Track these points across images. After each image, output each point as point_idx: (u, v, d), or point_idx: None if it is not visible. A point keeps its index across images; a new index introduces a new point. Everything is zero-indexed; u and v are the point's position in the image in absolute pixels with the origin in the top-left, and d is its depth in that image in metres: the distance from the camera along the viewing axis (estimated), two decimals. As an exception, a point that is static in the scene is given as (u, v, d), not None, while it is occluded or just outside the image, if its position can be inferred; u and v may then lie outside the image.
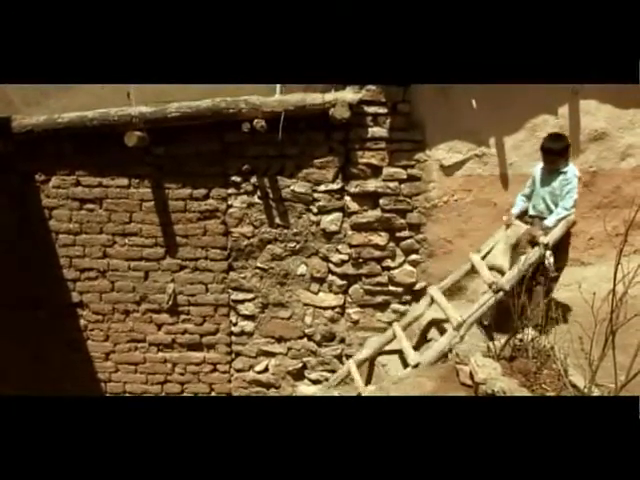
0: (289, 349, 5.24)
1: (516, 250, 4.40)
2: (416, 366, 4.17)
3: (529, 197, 4.58)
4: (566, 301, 4.44)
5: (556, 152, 4.31)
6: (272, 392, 5.32)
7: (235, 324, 5.22)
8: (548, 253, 4.18)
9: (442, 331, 4.63)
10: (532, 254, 4.19)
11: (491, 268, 4.38)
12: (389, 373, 4.55)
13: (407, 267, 5.01)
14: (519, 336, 3.35)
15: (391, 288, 5.03)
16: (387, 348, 4.86)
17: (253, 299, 5.16)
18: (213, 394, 5.36)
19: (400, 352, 4.78)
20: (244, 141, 4.80)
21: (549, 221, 4.29)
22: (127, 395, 5.36)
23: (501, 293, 4.10)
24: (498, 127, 4.83)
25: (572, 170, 4.30)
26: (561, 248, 4.31)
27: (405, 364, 4.55)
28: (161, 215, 5.00)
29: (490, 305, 4.13)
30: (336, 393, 5.05)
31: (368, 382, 4.92)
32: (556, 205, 4.32)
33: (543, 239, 4.21)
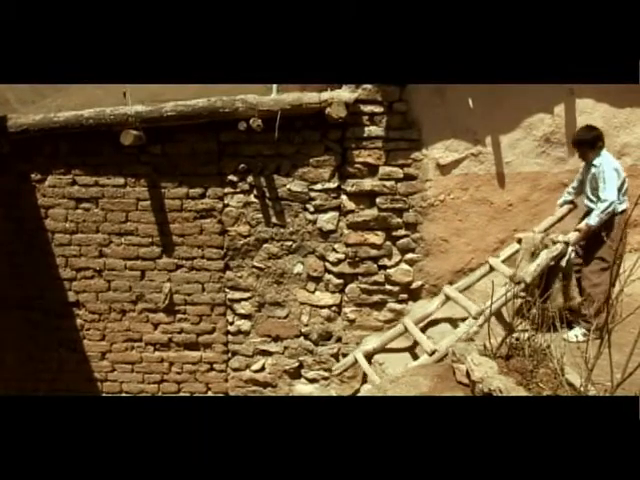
0: (286, 348, 5.24)
1: (534, 256, 4.41)
2: (432, 353, 4.24)
3: (577, 189, 4.56)
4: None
5: (580, 143, 4.32)
6: (269, 391, 5.32)
7: (232, 323, 5.22)
8: (570, 249, 4.23)
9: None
10: (554, 249, 4.25)
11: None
12: (386, 372, 4.56)
13: (404, 266, 5.01)
14: (515, 335, 3.36)
15: (387, 287, 5.03)
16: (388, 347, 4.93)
17: (250, 298, 5.16)
18: (210, 393, 5.36)
19: (400, 350, 4.81)
20: (240, 140, 4.80)
21: (592, 220, 4.18)
22: (124, 395, 5.35)
23: (522, 285, 4.15)
24: (494, 126, 4.84)
25: (605, 161, 4.20)
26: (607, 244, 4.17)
27: (413, 358, 4.60)
28: (157, 214, 4.99)
29: (510, 297, 4.16)
30: (333, 392, 5.07)
31: (364, 381, 4.94)
32: (597, 198, 4.23)
33: (563, 237, 4.25)
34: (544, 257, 4.24)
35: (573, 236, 4.28)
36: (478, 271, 4.86)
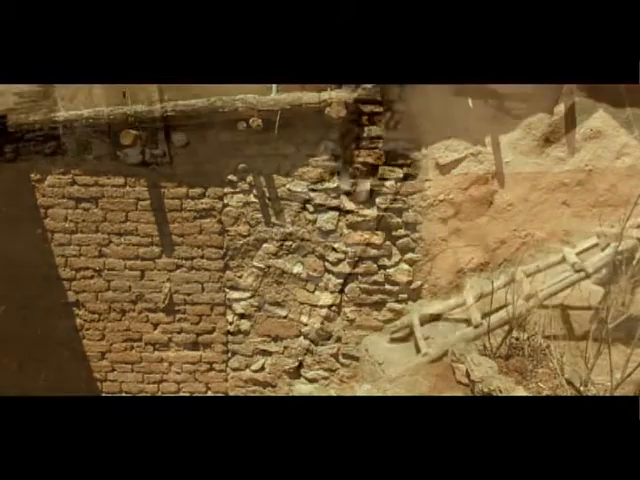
0: (285, 348, 5.23)
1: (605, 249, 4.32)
2: (477, 327, 4.17)
3: None
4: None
5: None
6: (268, 391, 5.32)
7: (231, 323, 5.22)
8: None
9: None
10: (623, 244, 4.15)
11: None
12: (385, 372, 4.56)
13: (403, 266, 5.01)
14: (515, 334, 3.37)
15: (387, 287, 5.02)
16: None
17: (249, 298, 5.16)
18: (209, 393, 5.36)
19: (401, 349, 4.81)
20: (240, 140, 4.79)
21: None
22: (123, 395, 5.35)
23: (582, 273, 4.07)
24: (494, 126, 4.83)
25: None
26: None
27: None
28: (157, 214, 4.99)
29: (566, 284, 4.07)
30: (333, 392, 5.07)
31: (363, 380, 4.94)
32: None
33: (637, 233, 4.17)
34: (611, 251, 4.13)
35: None
36: (550, 259, 4.75)
